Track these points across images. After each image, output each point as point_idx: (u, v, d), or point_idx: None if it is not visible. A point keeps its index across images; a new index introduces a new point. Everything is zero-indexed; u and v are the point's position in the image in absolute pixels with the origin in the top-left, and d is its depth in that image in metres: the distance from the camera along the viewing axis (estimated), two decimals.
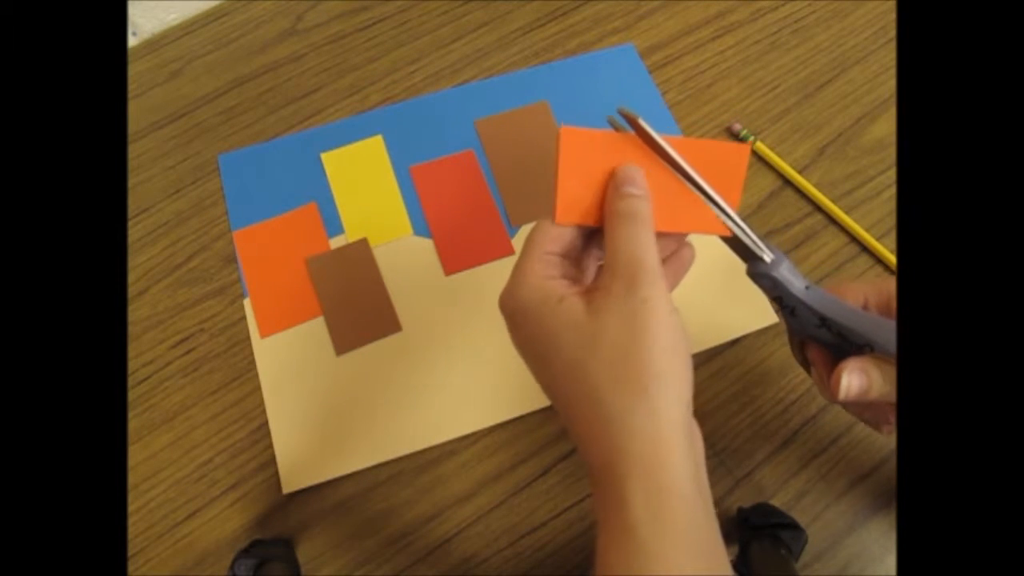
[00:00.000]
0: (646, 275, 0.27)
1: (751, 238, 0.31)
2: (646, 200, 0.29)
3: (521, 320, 0.28)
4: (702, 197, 0.30)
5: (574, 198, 0.29)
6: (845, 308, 0.31)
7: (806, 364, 0.35)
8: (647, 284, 0.27)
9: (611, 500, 0.25)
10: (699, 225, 0.31)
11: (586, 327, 0.27)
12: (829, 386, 0.32)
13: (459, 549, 0.42)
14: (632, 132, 0.30)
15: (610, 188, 0.29)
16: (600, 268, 0.29)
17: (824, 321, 0.31)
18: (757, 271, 0.32)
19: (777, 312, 0.33)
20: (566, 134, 0.29)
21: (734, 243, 0.32)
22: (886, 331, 0.30)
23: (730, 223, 0.31)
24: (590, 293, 0.28)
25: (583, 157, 0.29)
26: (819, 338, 0.32)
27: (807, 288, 0.31)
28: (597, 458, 0.26)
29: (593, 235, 0.31)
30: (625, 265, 0.27)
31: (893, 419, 0.33)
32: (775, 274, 0.31)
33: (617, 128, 0.31)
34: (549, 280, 0.28)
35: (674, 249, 0.32)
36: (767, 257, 0.31)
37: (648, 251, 0.27)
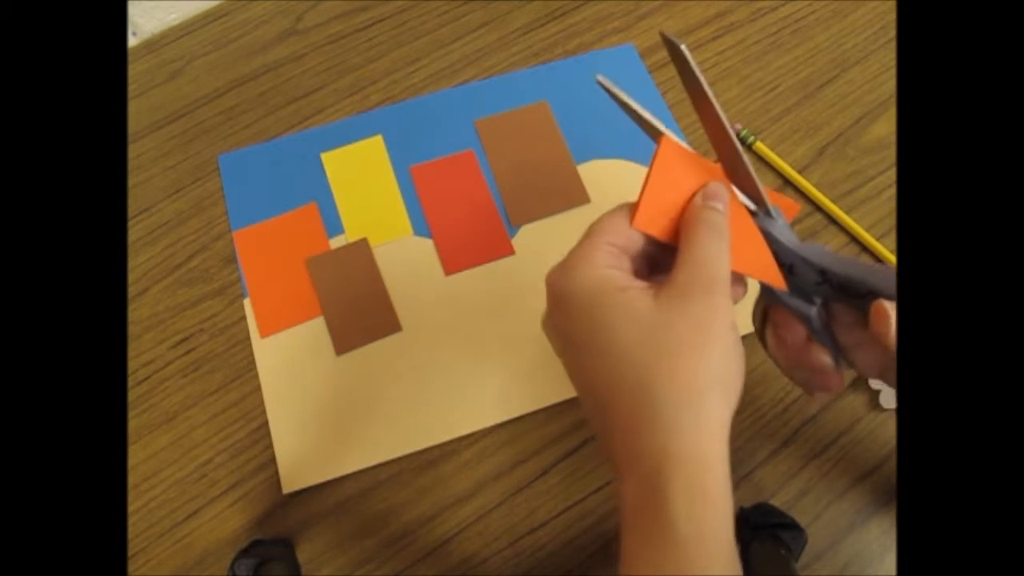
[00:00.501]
0: (722, 285, 0.27)
1: (759, 188, 0.31)
2: (727, 219, 0.29)
3: (572, 304, 0.28)
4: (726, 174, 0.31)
5: (655, 208, 0.30)
6: (844, 259, 0.30)
7: (762, 331, 0.35)
8: (720, 293, 0.27)
9: (650, 496, 0.25)
10: (755, 270, 0.31)
11: (650, 321, 0.26)
12: (790, 350, 0.33)
13: (459, 549, 0.42)
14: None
15: (697, 198, 0.30)
16: (670, 269, 0.29)
17: (824, 274, 0.31)
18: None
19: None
20: (666, 144, 0.30)
21: None
22: (889, 277, 0.29)
23: (735, 184, 0.31)
24: (658, 289, 0.27)
25: (674, 171, 0.30)
26: (816, 294, 0.31)
27: (803, 243, 0.31)
28: (635, 451, 0.26)
29: (658, 245, 0.31)
30: (705, 270, 0.27)
31: (832, 385, 0.33)
32: (772, 230, 0.31)
33: (606, 89, 0.31)
34: (609, 269, 0.28)
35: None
36: (766, 211, 0.31)
37: (726, 264, 0.28)
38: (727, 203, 0.29)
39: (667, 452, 0.25)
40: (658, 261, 0.31)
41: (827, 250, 0.31)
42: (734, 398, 0.27)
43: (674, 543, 0.24)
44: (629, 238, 0.29)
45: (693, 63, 0.28)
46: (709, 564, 0.24)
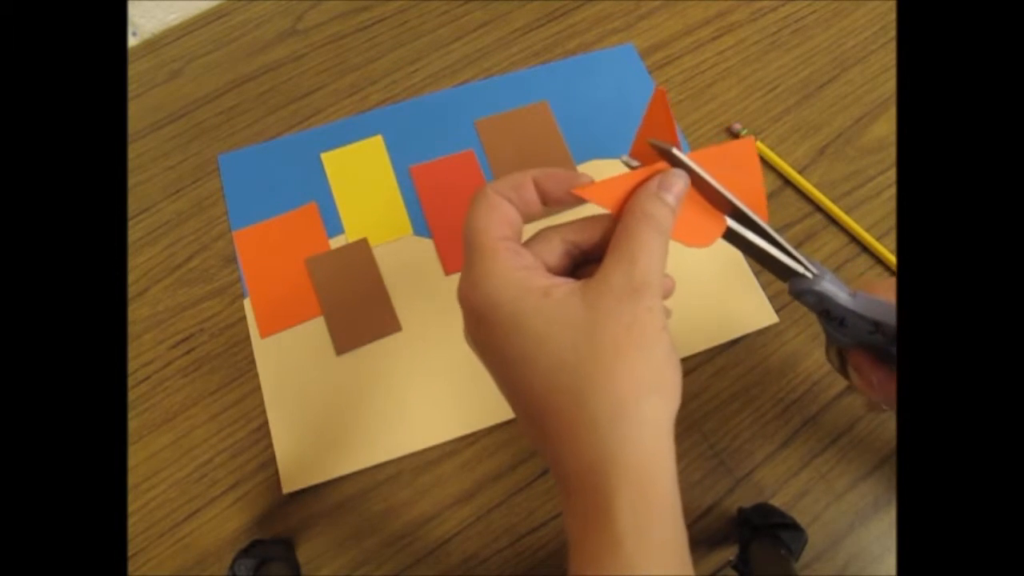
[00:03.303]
0: (655, 286, 0.26)
1: (794, 255, 0.30)
2: (674, 214, 0.28)
3: (493, 318, 0.26)
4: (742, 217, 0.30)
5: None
6: (894, 309, 0.30)
7: (844, 370, 0.34)
8: (653, 294, 0.26)
9: (594, 511, 0.24)
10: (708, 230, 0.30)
11: (580, 325, 0.25)
12: (877, 389, 0.31)
13: (459, 549, 0.42)
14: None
15: (651, 184, 0.28)
16: (600, 263, 0.27)
17: (878, 326, 0.30)
18: (801, 288, 0.30)
19: (821, 322, 0.32)
20: (658, 97, 0.29)
21: (772, 264, 0.31)
22: None
23: (770, 246, 0.30)
24: (585, 287, 0.26)
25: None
26: (871, 343, 0.31)
27: (853, 296, 0.30)
28: (577, 464, 0.25)
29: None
30: (641, 271, 0.26)
31: None
32: (819, 288, 0.30)
33: (631, 168, 0.30)
34: (522, 271, 0.26)
35: None
36: (811, 272, 0.30)
37: (662, 265, 0.27)
38: (678, 194, 0.28)
39: (610, 461, 0.24)
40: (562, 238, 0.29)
41: (879, 300, 0.30)
42: (676, 398, 0.26)
43: (621, 558, 0.24)
44: (514, 224, 0.28)
45: (688, 160, 0.28)
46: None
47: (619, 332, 0.25)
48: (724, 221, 0.30)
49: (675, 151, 0.28)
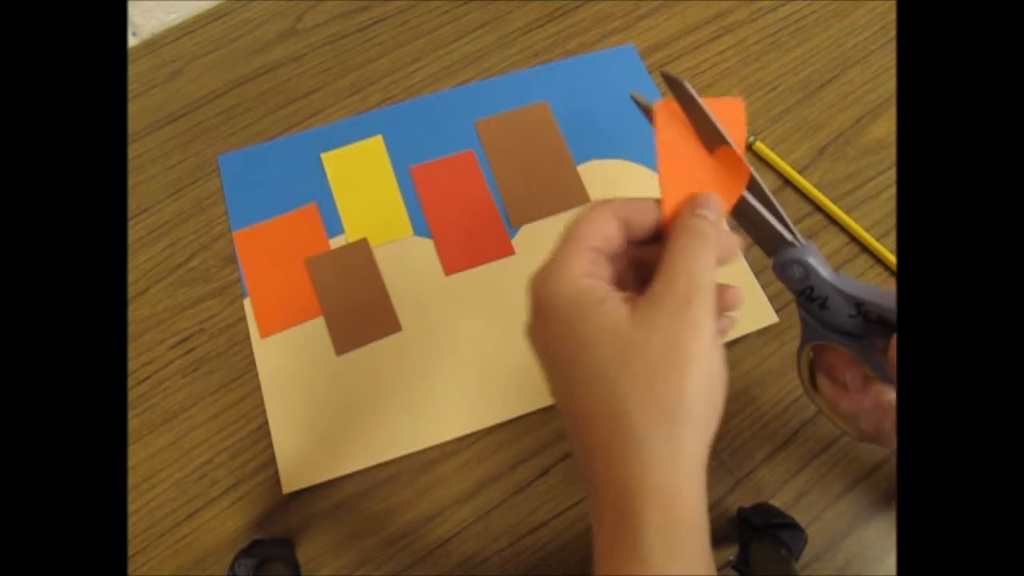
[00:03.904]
0: (702, 296, 0.26)
1: (785, 221, 0.30)
2: (716, 227, 0.28)
3: (551, 315, 0.27)
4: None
5: (677, 195, 0.29)
6: (879, 290, 0.29)
7: (812, 379, 0.33)
8: (700, 305, 0.26)
9: (624, 524, 0.25)
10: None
11: (624, 338, 0.25)
12: (851, 394, 0.31)
13: (459, 549, 0.42)
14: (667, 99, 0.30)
15: (686, 205, 0.29)
16: (650, 279, 0.27)
17: (860, 307, 0.30)
18: (788, 259, 0.30)
19: (800, 308, 0.32)
20: (661, 114, 0.30)
21: (762, 230, 0.30)
22: None
23: (763, 209, 0.30)
24: (635, 301, 0.26)
25: (680, 152, 0.30)
26: (850, 330, 0.31)
27: (837, 274, 0.30)
28: (609, 476, 0.25)
29: (644, 247, 0.30)
30: (684, 281, 0.26)
31: None
32: (807, 259, 0.30)
33: (640, 104, 0.30)
34: (589, 278, 0.27)
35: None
36: (799, 243, 0.30)
37: (709, 273, 0.27)
38: (717, 209, 0.28)
39: (641, 482, 0.25)
40: (646, 264, 0.30)
41: (862, 281, 0.30)
42: (713, 419, 0.26)
43: (648, 569, 0.24)
44: (609, 241, 0.28)
45: (697, 96, 0.28)
46: None
47: (658, 348, 0.25)
48: (743, 178, 0.29)
49: (686, 84, 0.28)
